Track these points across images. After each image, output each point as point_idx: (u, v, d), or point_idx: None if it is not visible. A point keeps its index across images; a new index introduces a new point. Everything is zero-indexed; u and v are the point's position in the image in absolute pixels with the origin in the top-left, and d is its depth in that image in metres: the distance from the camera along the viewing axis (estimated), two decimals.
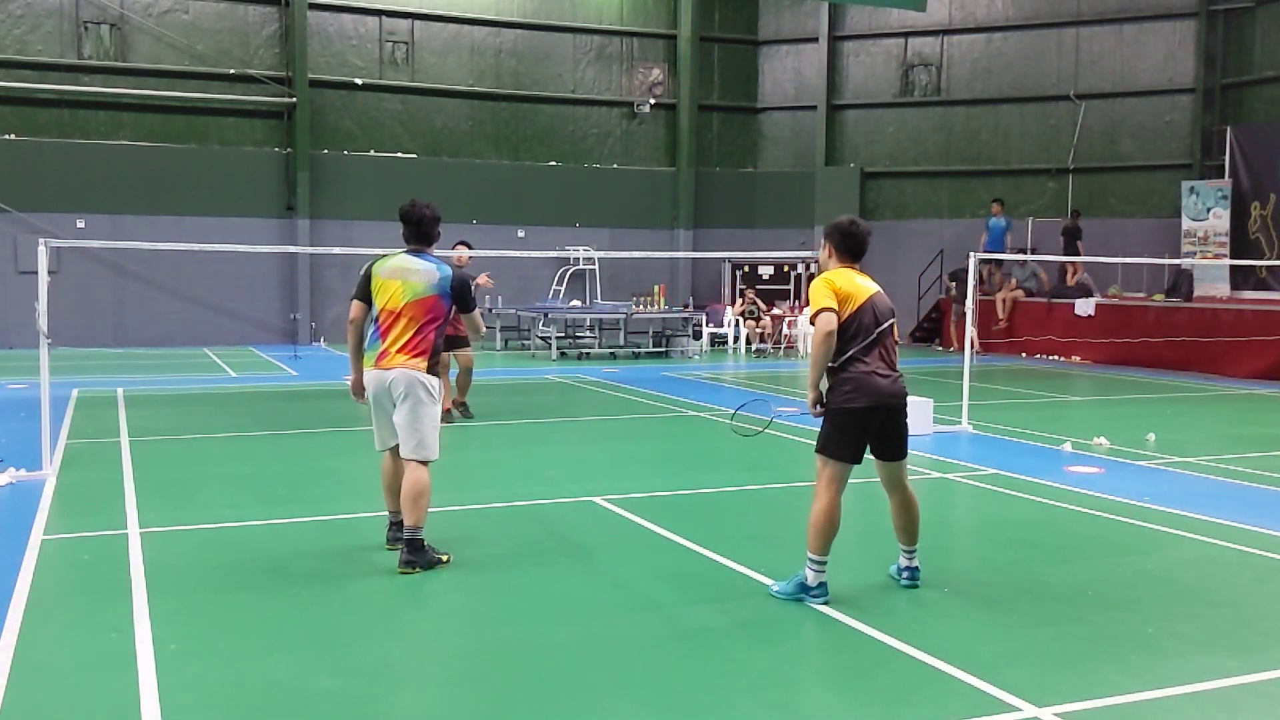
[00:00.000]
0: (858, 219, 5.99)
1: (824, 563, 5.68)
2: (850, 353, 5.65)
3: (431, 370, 6.27)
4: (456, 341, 12.33)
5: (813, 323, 5.67)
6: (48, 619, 5.41)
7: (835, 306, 5.62)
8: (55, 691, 4.53)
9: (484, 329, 6.84)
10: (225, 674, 4.71)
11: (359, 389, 6.53)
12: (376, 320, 6.36)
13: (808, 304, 20.64)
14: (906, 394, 5.86)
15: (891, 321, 5.82)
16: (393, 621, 5.42)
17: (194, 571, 6.28)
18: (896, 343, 5.90)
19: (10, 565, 6.25)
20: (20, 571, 6.15)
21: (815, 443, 5.80)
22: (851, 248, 5.86)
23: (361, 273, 6.50)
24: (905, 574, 6.10)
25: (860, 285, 5.77)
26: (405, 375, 6.19)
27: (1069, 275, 22.47)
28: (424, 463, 6.25)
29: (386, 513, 6.65)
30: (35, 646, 5.00)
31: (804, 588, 5.68)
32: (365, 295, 6.43)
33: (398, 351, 6.23)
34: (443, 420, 10.05)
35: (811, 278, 27.81)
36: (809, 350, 22.03)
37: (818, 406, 5.79)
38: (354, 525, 7.48)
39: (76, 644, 5.07)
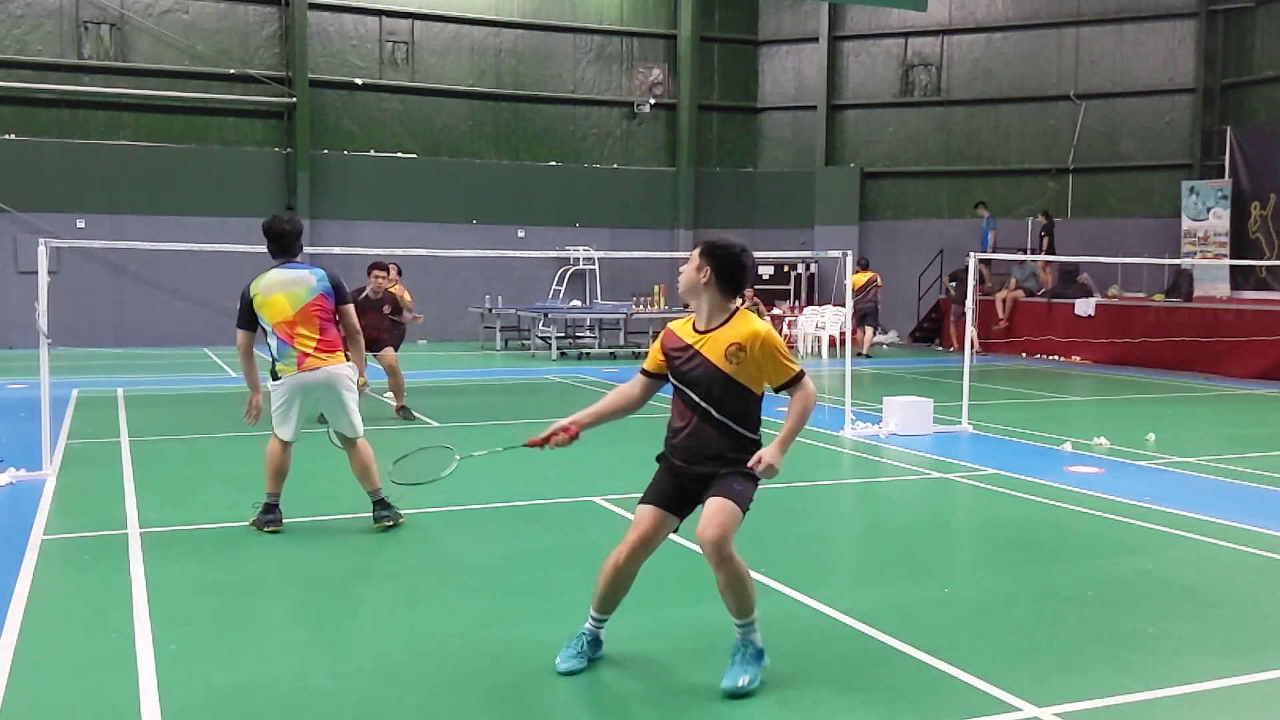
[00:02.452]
0: (747, 248, 4.80)
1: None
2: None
3: (346, 359, 7.15)
4: (376, 344, 12.06)
5: (786, 390, 4.64)
6: (48, 619, 5.40)
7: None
8: (55, 691, 4.53)
9: (356, 326, 7.33)
10: (225, 674, 4.70)
11: (256, 408, 7.10)
12: (274, 334, 6.93)
13: (804, 304, 20.17)
14: None
15: None
16: (393, 621, 5.42)
17: (194, 571, 6.28)
18: None
19: (10, 565, 6.25)
20: (20, 571, 6.15)
21: (727, 491, 4.53)
22: (740, 281, 4.73)
23: (240, 301, 7.05)
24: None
25: None
26: (331, 374, 6.97)
27: (1044, 273, 22.66)
28: (361, 439, 7.22)
29: (266, 495, 7.15)
30: (35, 646, 5.00)
31: (762, 654, 4.61)
32: (249, 319, 7.00)
33: (318, 352, 6.94)
34: (402, 415, 11.99)
35: (811, 279, 27.69)
36: (808, 351, 22.19)
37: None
38: (354, 525, 7.48)
39: (76, 644, 5.07)
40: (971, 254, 12.48)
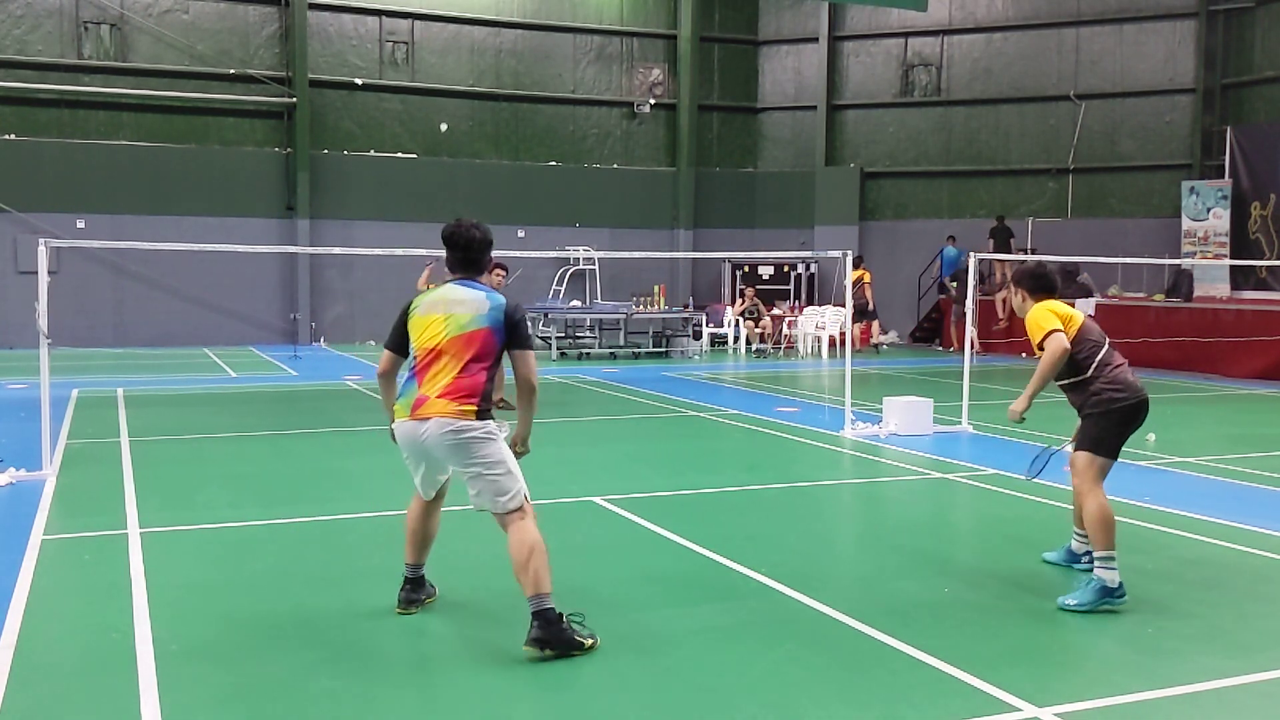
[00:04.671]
0: (1043, 262, 6.43)
1: (1115, 557, 5.70)
2: (1099, 358, 5.92)
3: (482, 415, 5.09)
4: None
5: (1041, 347, 5.93)
6: (48, 619, 5.40)
7: (1061, 327, 5.91)
8: (55, 691, 4.53)
9: (535, 379, 5.26)
10: (225, 674, 4.71)
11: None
12: (414, 362, 5.26)
13: (804, 304, 20.19)
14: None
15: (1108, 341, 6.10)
16: (392, 622, 5.42)
17: (194, 571, 6.28)
18: None
19: (10, 565, 6.25)
20: (20, 571, 6.15)
21: (1079, 443, 5.97)
22: (1046, 286, 6.17)
23: (398, 316, 5.42)
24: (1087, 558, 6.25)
25: (1071, 311, 6.09)
26: (444, 430, 5.03)
27: (999, 275, 22.88)
28: (518, 513, 5.06)
29: (404, 565, 5.56)
30: (35, 646, 5.00)
31: (1108, 591, 5.62)
32: (400, 341, 5.35)
33: (438, 397, 5.07)
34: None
35: (811, 279, 27.89)
36: (809, 351, 22.29)
37: (1021, 415, 6.06)
38: (354, 525, 7.48)
39: (76, 644, 5.06)
40: (972, 254, 12.48)
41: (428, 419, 5.05)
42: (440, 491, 5.52)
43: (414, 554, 5.54)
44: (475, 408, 5.05)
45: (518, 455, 5.26)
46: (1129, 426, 5.91)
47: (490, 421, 5.12)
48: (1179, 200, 23.43)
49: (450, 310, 5.19)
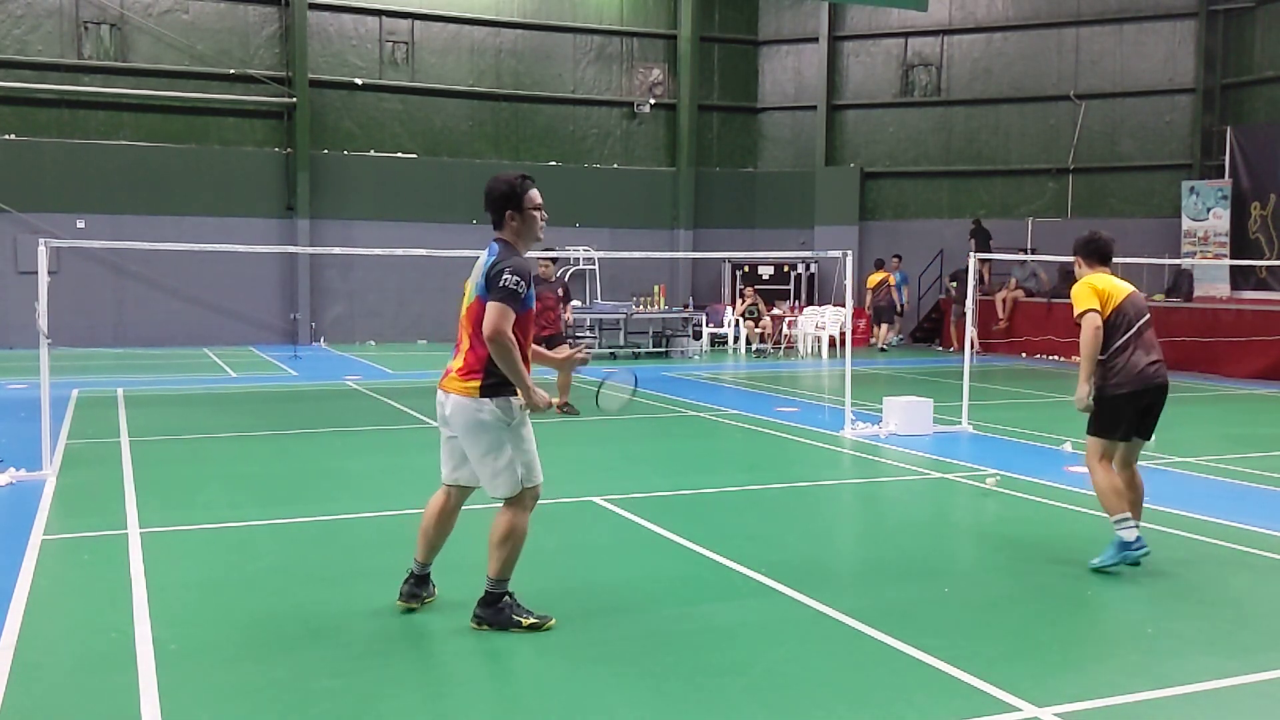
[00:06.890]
0: (1098, 230, 6.83)
1: (1128, 517, 6.22)
2: (1116, 344, 6.34)
3: (489, 391, 5.05)
4: (553, 340, 11.62)
5: (1078, 323, 6.35)
6: (48, 619, 5.40)
7: (1098, 307, 6.33)
8: (55, 691, 4.53)
9: (490, 331, 4.93)
10: (225, 674, 4.71)
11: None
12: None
13: (804, 304, 20.29)
14: (1167, 379, 6.53)
15: (1147, 318, 6.50)
16: (393, 622, 5.42)
17: (194, 571, 6.28)
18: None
19: (10, 565, 6.25)
20: (20, 571, 6.15)
21: (1087, 427, 6.47)
22: (1099, 252, 6.63)
23: None
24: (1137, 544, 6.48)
25: (1117, 285, 6.47)
26: (454, 404, 5.14)
27: (985, 278, 23.12)
28: (508, 503, 5.26)
29: (413, 561, 5.58)
30: (35, 646, 5.00)
31: (1125, 545, 6.13)
32: None
33: (455, 372, 5.17)
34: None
35: (811, 279, 28.03)
36: (809, 351, 22.33)
37: (1088, 402, 6.43)
38: (355, 525, 7.49)
39: (76, 644, 5.06)
40: (971, 254, 12.48)
41: (448, 393, 5.22)
42: (458, 501, 5.59)
43: (424, 553, 5.57)
44: (479, 383, 5.08)
45: (537, 407, 5.13)
46: (1121, 414, 6.36)
47: (496, 399, 5.07)
48: (1179, 200, 23.43)
49: (470, 280, 5.25)
